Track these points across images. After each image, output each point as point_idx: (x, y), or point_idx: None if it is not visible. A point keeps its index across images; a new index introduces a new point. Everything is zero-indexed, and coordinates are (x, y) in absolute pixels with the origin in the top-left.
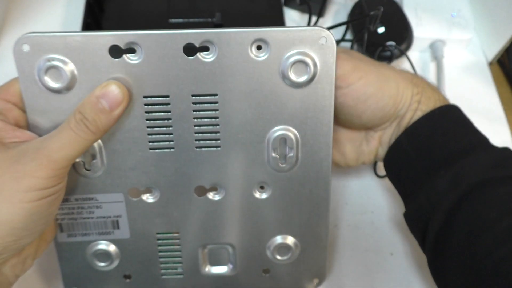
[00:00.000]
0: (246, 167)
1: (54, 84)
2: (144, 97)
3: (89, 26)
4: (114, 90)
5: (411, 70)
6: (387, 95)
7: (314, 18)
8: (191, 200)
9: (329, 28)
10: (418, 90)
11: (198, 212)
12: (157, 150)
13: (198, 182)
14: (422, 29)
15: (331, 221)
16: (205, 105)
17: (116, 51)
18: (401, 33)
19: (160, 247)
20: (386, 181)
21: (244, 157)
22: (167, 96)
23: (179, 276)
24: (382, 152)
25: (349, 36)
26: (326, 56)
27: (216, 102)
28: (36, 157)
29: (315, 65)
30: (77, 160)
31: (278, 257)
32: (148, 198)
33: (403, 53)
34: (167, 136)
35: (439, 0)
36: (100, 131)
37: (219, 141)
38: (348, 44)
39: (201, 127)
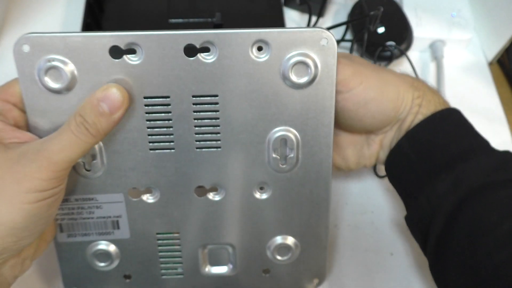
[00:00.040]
0: (246, 167)
1: (54, 85)
2: (145, 97)
3: (89, 26)
4: (115, 93)
5: (411, 70)
6: (388, 99)
7: (314, 18)
8: (191, 200)
9: (329, 28)
10: (419, 93)
11: (198, 212)
12: (157, 151)
13: (198, 182)
14: (422, 29)
15: (331, 221)
16: (206, 105)
17: (116, 52)
18: (401, 33)
19: (160, 247)
20: (386, 181)
21: (245, 158)
22: (168, 97)
23: (179, 276)
24: (383, 155)
25: (349, 36)
26: (327, 57)
27: (217, 103)
28: (37, 159)
29: (316, 66)
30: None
31: (278, 257)
32: (148, 198)
33: (403, 53)
34: (167, 136)
35: (439, 0)
36: (100, 134)
37: (219, 142)
38: (348, 44)
39: (202, 128)
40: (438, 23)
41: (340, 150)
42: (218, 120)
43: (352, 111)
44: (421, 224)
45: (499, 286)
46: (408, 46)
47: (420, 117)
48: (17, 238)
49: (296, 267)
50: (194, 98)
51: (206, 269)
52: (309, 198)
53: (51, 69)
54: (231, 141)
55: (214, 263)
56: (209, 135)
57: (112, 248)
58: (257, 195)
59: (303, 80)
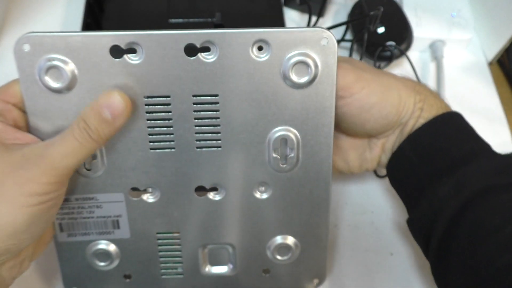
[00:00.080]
0: (246, 167)
1: (55, 84)
2: (145, 97)
3: (89, 26)
4: (117, 100)
5: (411, 70)
6: (390, 103)
7: (314, 18)
8: (191, 200)
9: (329, 28)
10: (420, 97)
11: (199, 212)
12: (157, 150)
13: (199, 182)
14: (422, 29)
15: (331, 221)
16: (206, 105)
17: (117, 51)
18: (401, 33)
19: (160, 247)
20: (386, 181)
21: (245, 157)
22: (168, 96)
23: (179, 276)
24: (385, 159)
25: (349, 36)
26: (327, 57)
27: (217, 103)
28: (40, 163)
29: (316, 66)
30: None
31: (278, 257)
32: (148, 198)
33: (403, 53)
34: (167, 136)
35: (439, 0)
36: (102, 140)
37: (219, 141)
38: (348, 44)
39: (202, 127)
40: (438, 23)
41: (343, 154)
42: (218, 120)
43: (355, 116)
44: (423, 228)
45: None
46: (408, 46)
47: (422, 121)
48: (17, 240)
49: (296, 267)
50: (194, 98)
51: (206, 269)
52: (309, 198)
53: (51, 69)
54: (232, 140)
55: (214, 263)
56: (210, 134)
57: (112, 247)
58: (257, 195)
59: (304, 79)
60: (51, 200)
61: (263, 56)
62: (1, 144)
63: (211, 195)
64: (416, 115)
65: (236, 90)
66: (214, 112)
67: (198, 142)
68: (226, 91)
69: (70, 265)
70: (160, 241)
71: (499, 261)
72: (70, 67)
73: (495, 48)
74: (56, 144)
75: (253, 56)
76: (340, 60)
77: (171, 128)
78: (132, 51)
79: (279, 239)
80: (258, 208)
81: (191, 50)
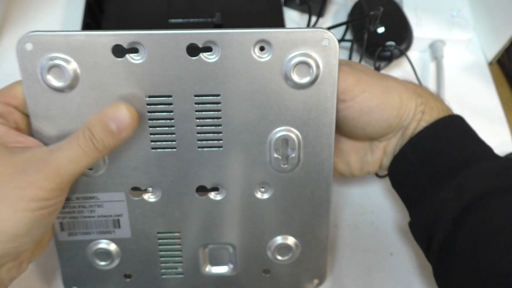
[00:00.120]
0: (247, 167)
1: (57, 83)
2: (147, 96)
3: (89, 27)
4: (124, 114)
5: (411, 70)
6: (391, 106)
7: (314, 18)
8: (192, 199)
9: (329, 28)
10: (421, 100)
11: (199, 212)
12: (159, 150)
13: (200, 181)
14: (422, 29)
15: (331, 221)
16: (208, 105)
17: (119, 51)
18: (401, 33)
19: (160, 247)
20: (386, 181)
21: (246, 157)
22: (170, 96)
23: (179, 276)
24: (387, 161)
25: (349, 36)
26: (328, 58)
27: (219, 103)
28: (43, 168)
29: (317, 66)
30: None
31: (279, 258)
32: (149, 197)
33: (403, 53)
34: (169, 135)
35: (439, 0)
36: (107, 150)
37: (221, 141)
38: (348, 44)
39: (203, 127)
40: (438, 23)
41: (344, 157)
42: (220, 120)
43: (356, 119)
44: (425, 230)
45: None
46: (408, 46)
47: (423, 124)
48: (17, 243)
49: (297, 267)
50: (196, 98)
51: (207, 269)
52: (310, 199)
53: (53, 68)
54: (233, 140)
55: (214, 263)
56: (211, 134)
57: (112, 247)
58: (258, 195)
59: (305, 80)
60: (52, 206)
61: (265, 56)
62: (3, 147)
63: (212, 195)
64: (418, 118)
65: (238, 90)
66: (216, 112)
67: (199, 142)
68: (227, 91)
69: (70, 264)
70: (160, 240)
71: (500, 264)
72: (72, 66)
73: (495, 48)
74: (60, 150)
75: (254, 56)
76: (341, 63)
77: (173, 128)
78: (134, 50)
79: (279, 239)
80: (258, 208)
81: (193, 50)
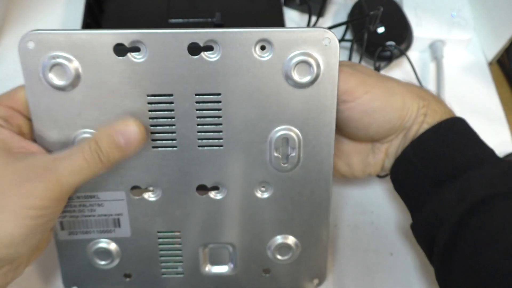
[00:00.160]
0: (248, 166)
1: (58, 82)
2: (148, 95)
3: (89, 26)
4: (134, 130)
5: (411, 70)
6: (393, 108)
7: (314, 18)
8: (192, 199)
9: (329, 28)
10: (424, 103)
11: (200, 211)
12: (159, 149)
13: (200, 181)
14: (422, 29)
15: (331, 221)
16: (208, 104)
17: (120, 50)
18: (401, 33)
19: (161, 246)
20: (386, 181)
21: (246, 157)
22: (171, 95)
23: (179, 276)
24: (389, 163)
25: (349, 36)
26: (329, 57)
27: (219, 102)
28: (45, 178)
29: (318, 66)
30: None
31: (279, 257)
32: (150, 196)
33: (403, 53)
34: (170, 134)
35: (439, 0)
36: (111, 164)
37: (221, 140)
38: (348, 44)
39: (204, 126)
40: (438, 23)
41: (346, 158)
42: (220, 119)
43: (358, 120)
44: (427, 233)
45: None
46: (408, 46)
47: (425, 126)
48: (13, 250)
49: (297, 267)
50: (197, 97)
51: (207, 269)
52: (310, 198)
53: (55, 66)
54: (233, 139)
55: (214, 263)
56: (212, 133)
57: (113, 246)
58: (258, 194)
59: (305, 79)
60: (50, 215)
61: (266, 56)
62: (7, 152)
63: (212, 194)
64: (420, 120)
65: (239, 89)
66: (216, 111)
67: (200, 140)
68: (228, 90)
69: (70, 263)
70: (160, 240)
71: (503, 266)
72: (74, 64)
73: (495, 48)
74: (64, 160)
75: (255, 55)
76: (343, 64)
77: (173, 127)
78: (135, 49)
79: (279, 239)
80: (259, 208)
81: (194, 49)
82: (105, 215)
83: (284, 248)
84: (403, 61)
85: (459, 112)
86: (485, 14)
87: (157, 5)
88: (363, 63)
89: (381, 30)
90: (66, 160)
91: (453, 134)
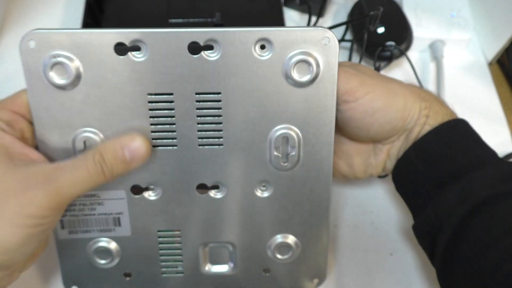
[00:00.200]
0: (248, 165)
1: (59, 81)
2: (148, 94)
3: (89, 27)
4: (140, 146)
5: (410, 70)
6: (395, 109)
7: (314, 18)
8: (192, 198)
9: (329, 28)
10: (426, 104)
11: (200, 210)
12: (160, 148)
13: (200, 180)
14: (422, 29)
15: (331, 221)
16: (209, 103)
17: (121, 49)
18: (401, 33)
19: (161, 245)
20: (386, 181)
21: (246, 155)
22: (171, 94)
23: (179, 275)
24: (390, 165)
25: (349, 36)
26: (329, 56)
27: (220, 101)
28: (45, 187)
29: (317, 65)
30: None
31: (279, 256)
32: (150, 195)
33: (402, 53)
34: (170, 133)
35: (439, 0)
36: (112, 177)
37: (221, 139)
38: (348, 44)
39: (204, 125)
40: (437, 23)
41: (347, 159)
42: (220, 118)
43: (359, 120)
44: (429, 234)
45: None
46: (408, 46)
47: (427, 128)
48: (9, 256)
49: (297, 266)
50: (197, 96)
51: (206, 268)
52: (310, 197)
53: (56, 65)
54: (233, 138)
55: (214, 262)
56: (212, 132)
57: (113, 245)
58: (258, 193)
59: (305, 78)
60: (47, 224)
61: (266, 55)
62: (8, 159)
63: (212, 193)
64: (422, 121)
65: (239, 88)
66: (216, 110)
67: (200, 139)
68: (228, 89)
69: (70, 263)
70: (161, 239)
71: (504, 268)
72: (75, 63)
73: (494, 48)
74: (65, 170)
75: (255, 54)
76: (345, 65)
77: (174, 126)
78: (136, 48)
79: (279, 238)
80: (259, 207)
81: (194, 48)
82: (105, 214)
83: (284, 247)
84: (403, 61)
85: (459, 112)
86: (485, 14)
87: (157, 5)
88: (363, 63)
89: (381, 30)
90: (68, 170)
91: (455, 135)
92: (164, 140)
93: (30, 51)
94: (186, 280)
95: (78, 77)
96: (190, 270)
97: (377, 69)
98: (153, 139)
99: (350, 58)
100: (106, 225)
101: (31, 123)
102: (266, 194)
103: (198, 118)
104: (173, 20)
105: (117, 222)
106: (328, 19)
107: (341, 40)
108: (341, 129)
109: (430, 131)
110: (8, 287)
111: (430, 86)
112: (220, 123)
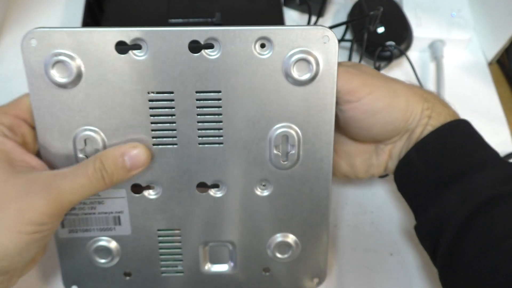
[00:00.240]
0: (248, 164)
1: (61, 79)
2: (149, 93)
3: (88, 26)
4: (141, 154)
5: (410, 70)
6: (397, 109)
7: (314, 18)
8: (193, 196)
9: (329, 28)
10: (428, 105)
11: (200, 209)
12: (160, 146)
13: (200, 178)
14: (422, 29)
15: (331, 221)
16: (209, 101)
17: (122, 47)
18: (401, 33)
19: (161, 244)
20: (387, 181)
21: (246, 154)
22: (172, 92)
23: (179, 274)
24: (392, 165)
25: (349, 36)
26: (328, 55)
27: (220, 99)
28: (45, 194)
29: (317, 63)
30: (81, 155)
31: (279, 256)
32: (150, 194)
33: (402, 53)
34: (170, 132)
35: (439, 0)
36: (111, 184)
37: (221, 138)
38: (348, 44)
39: (204, 124)
40: (437, 23)
41: (349, 159)
42: (220, 116)
43: (361, 120)
44: (431, 235)
45: None
46: (407, 46)
47: (429, 129)
48: (8, 262)
49: (296, 266)
50: (197, 94)
51: (206, 267)
52: (310, 196)
53: (57, 63)
54: (233, 137)
55: (214, 261)
56: (212, 131)
57: (113, 244)
58: (258, 192)
59: (305, 77)
60: (46, 231)
61: (266, 54)
62: (9, 165)
63: (212, 191)
64: (424, 122)
65: (239, 87)
66: (217, 109)
67: (200, 138)
68: (228, 88)
69: (70, 262)
70: (161, 238)
71: (505, 269)
72: (76, 62)
73: (494, 48)
74: (65, 177)
75: (255, 53)
76: (347, 65)
77: (174, 124)
78: (137, 47)
79: (279, 237)
80: (258, 205)
81: (195, 47)
82: (106, 213)
83: (284, 246)
84: (403, 61)
85: (458, 112)
86: (485, 14)
87: (157, 5)
88: (363, 63)
89: (381, 30)
90: (68, 177)
91: (457, 136)
92: (164, 139)
93: (32, 49)
94: (186, 280)
95: (79, 75)
96: (190, 270)
97: (377, 69)
98: (153, 137)
99: (350, 58)
100: (106, 224)
101: (33, 127)
102: (266, 193)
103: (198, 116)
104: (173, 20)
105: (117, 221)
106: (328, 19)
107: (341, 40)
108: (343, 129)
109: (432, 131)
110: None
111: (430, 86)
112: (220, 121)
